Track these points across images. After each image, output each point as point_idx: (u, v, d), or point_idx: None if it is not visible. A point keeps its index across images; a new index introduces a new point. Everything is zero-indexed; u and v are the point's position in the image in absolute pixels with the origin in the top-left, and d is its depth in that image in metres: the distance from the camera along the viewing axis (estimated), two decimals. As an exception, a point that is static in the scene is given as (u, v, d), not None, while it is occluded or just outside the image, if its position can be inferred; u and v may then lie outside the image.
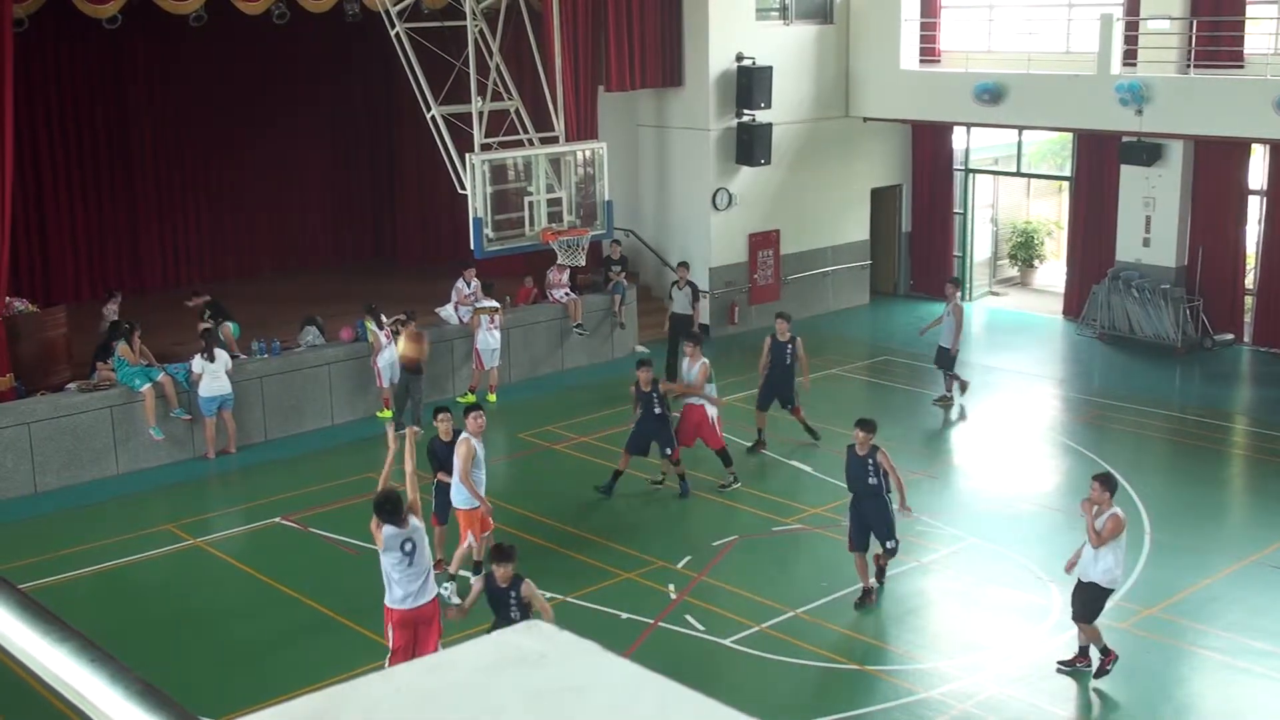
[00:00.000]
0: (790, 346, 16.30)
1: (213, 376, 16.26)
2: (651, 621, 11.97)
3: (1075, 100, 20.32)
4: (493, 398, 18.67)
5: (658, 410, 14.84)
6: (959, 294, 18.42)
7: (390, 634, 10.14)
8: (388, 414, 18.00)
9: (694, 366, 15.19)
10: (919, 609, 12.57)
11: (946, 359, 18.24)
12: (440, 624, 10.31)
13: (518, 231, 17.41)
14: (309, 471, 16.28)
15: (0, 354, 15.89)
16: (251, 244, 23.14)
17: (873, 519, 12.18)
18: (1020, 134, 23.53)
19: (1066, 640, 11.67)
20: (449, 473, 12.40)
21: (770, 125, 21.91)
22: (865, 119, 23.58)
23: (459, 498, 12.22)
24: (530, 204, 17.40)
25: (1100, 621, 10.97)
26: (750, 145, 21.84)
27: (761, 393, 16.60)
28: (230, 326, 17.69)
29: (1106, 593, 10.83)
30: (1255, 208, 20.85)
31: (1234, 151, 20.41)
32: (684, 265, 20.08)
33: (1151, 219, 21.25)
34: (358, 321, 18.27)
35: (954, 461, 16.41)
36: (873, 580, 12.39)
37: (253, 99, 22.50)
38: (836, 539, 13.96)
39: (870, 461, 12.09)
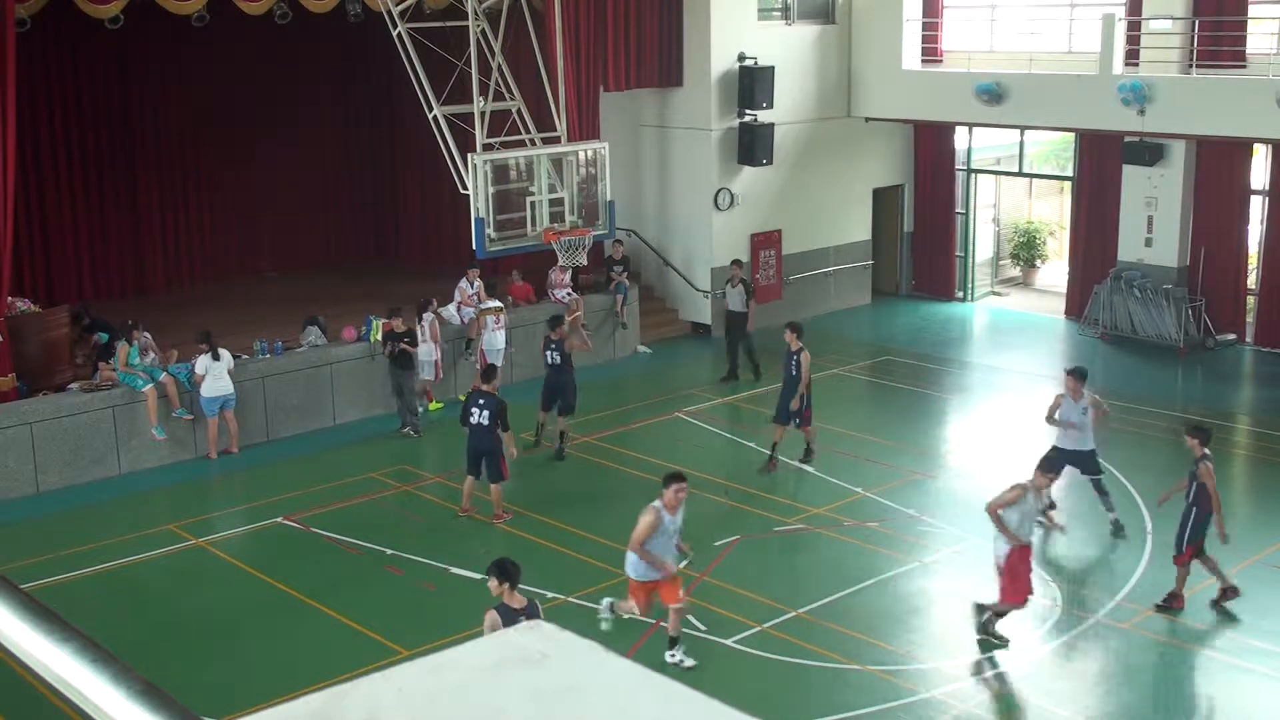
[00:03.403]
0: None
1: (215, 376, 16.26)
2: (654, 622, 11.97)
3: (1077, 100, 20.30)
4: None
5: (794, 373, 15.32)
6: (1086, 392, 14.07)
7: None
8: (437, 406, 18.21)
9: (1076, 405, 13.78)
10: (920, 609, 12.56)
11: (1093, 463, 14.10)
12: None
13: (520, 231, 17.43)
14: (311, 471, 16.27)
15: (3, 354, 15.90)
16: (253, 244, 23.14)
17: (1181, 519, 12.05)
18: (1022, 134, 23.52)
19: (1070, 639, 11.67)
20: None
21: (772, 125, 21.90)
22: (867, 119, 23.57)
23: (629, 563, 10.94)
24: (532, 204, 17.42)
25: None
26: (752, 145, 21.83)
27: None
28: (101, 337, 17.44)
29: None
30: (1257, 208, 20.83)
31: (1236, 151, 20.39)
32: (737, 263, 20.04)
33: (1154, 219, 21.23)
34: (366, 318, 18.30)
35: (955, 462, 16.39)
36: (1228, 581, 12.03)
37: (255, 99, 22.49)
38: (838, 539, 13.98)
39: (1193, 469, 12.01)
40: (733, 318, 19.44)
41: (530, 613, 8.99)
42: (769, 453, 15.74)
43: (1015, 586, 11.30)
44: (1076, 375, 13.89)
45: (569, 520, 14.47)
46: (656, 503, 10.69)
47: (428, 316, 17.96)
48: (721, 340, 21.73)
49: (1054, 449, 13.66)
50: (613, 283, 20.92)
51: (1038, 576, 12.85)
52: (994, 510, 11.31)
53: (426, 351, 17.81)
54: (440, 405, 18.34)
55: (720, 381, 19.45)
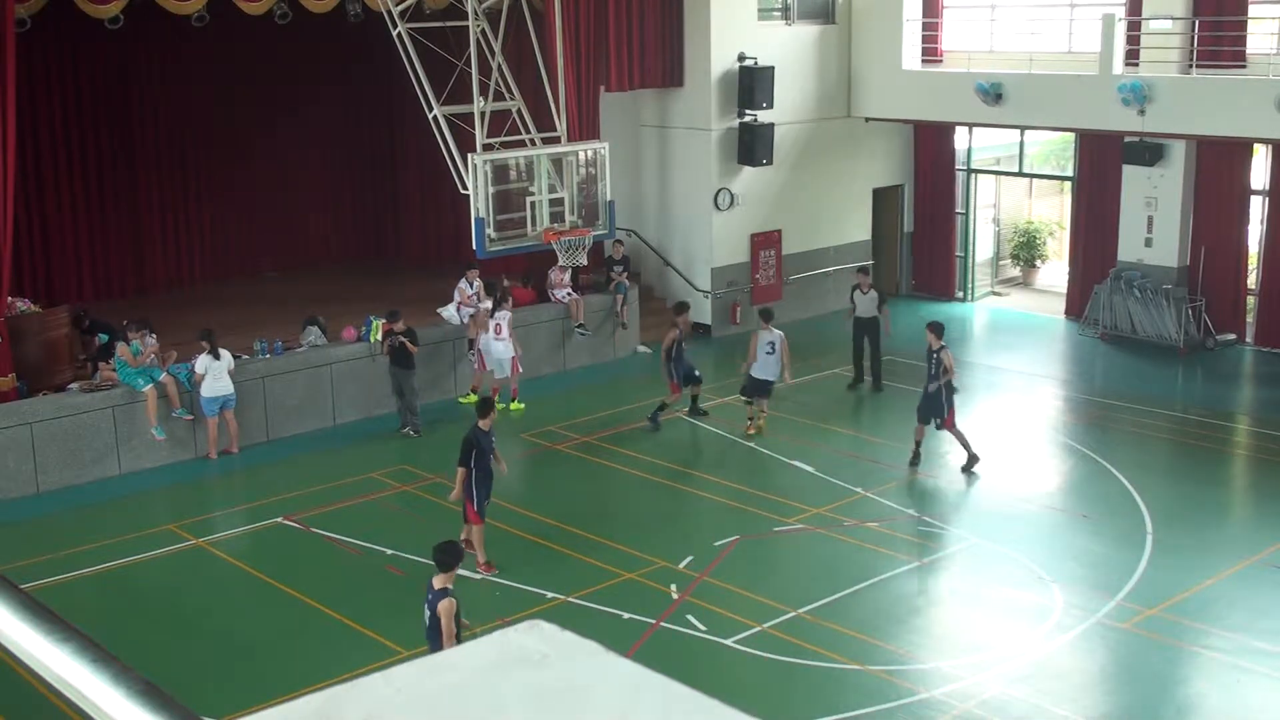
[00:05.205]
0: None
1: (215, 376, 16.26)
2: (653, 622, 11.97)
3: (1077, 100, 20.30)
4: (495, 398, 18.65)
5: (931, 372, 15.68)
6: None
7: None
8: (472, 398, 18.04)
9: None
10: (920, 609, 12.57)
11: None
12: None
13: (520, 231, 17.43)
14: (311, 471, 16.27)
15: (3, 354, 15.90)
16: (253, 244, 23.13)
17: None
18: (1022, 134, 23.52)
19: (1070, 639, 11.67)
20: (483, 465, 12.77)
21: (772, 125, 21.90)
22: (867, 119, 23.57)
23: None
24: (532, 204, 17.42)
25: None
26: (752, 145, 21.82)
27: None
28: (101, 338, 17.34)
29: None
30: (1257, 208, 20.83)
31: (1236, 151, 20.39)
32: (864, 270, 19.80)
33: (1154, 219, 21.23)
34: (366, 318, 18.30)
35: (955, 462, 16.38)
36: None
37: (255, 99, 22.50)
38: (838, 539, 13.98)
39: None
40: (860, 323, 19.04)
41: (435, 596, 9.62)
42: (913, 451, 15.94)
43: None
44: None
45: (569, 520, 14.46)
46: None
47: (501, 314, 17.88)
48: (719, 341, 21.73)
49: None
50: (613, 283, 20.92)
51: (1036, 577, 12.86)
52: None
53: (504, 349, 17.81)
54: (522, 406, 18.33)
55: (847, 389, 19.23)
